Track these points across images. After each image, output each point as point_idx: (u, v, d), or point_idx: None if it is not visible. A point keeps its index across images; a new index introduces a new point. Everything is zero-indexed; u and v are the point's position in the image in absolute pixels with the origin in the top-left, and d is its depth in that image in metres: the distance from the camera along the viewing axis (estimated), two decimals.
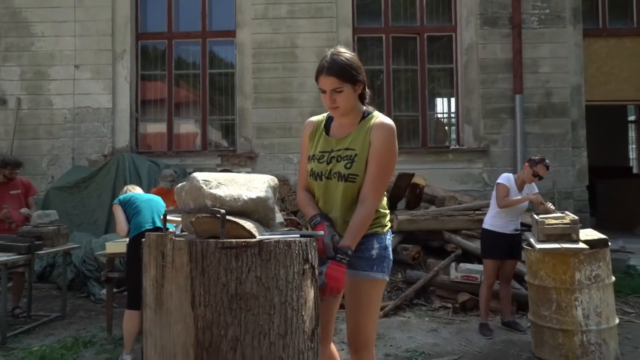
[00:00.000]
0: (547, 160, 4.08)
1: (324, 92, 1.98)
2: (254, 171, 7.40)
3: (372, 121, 2.04)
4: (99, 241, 5.91)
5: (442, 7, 7.89)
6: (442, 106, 8.23)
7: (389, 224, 2.11)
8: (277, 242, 1.41)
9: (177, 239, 1.43)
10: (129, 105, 7.80)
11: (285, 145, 7.53)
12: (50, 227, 4.76)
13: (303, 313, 1.46)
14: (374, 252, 2.01)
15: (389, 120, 2.05)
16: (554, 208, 3.99)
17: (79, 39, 7.78)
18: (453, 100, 7.87)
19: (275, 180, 1.71)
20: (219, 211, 1.41)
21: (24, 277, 5.07)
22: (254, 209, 1.53)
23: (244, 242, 1.38)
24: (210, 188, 1.50)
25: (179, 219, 1.83)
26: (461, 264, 4.96)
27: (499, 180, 4.11)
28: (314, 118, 2.19)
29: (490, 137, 7.45)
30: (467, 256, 5.15)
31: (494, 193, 4.15)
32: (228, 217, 1.42)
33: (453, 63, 7.79)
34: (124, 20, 7.84)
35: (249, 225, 1.44)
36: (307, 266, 1.48)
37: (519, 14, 7.39)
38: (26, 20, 7.81)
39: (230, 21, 7.91)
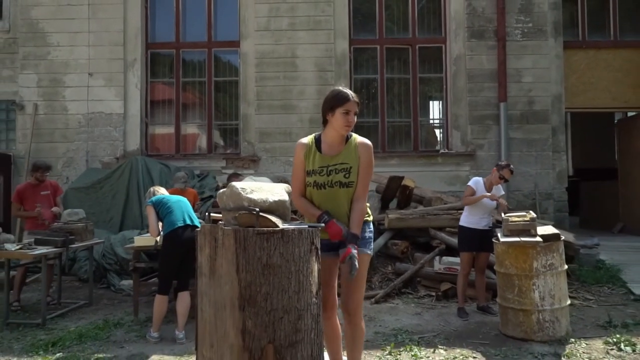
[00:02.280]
0: (511, 166, 4.89)
1: (346, 113, 2.69)
2: (256, 173, 8.12)
3: (356, 141, 2.81)
4: (117, 237, 6.65)
5: (432, 20, 8.65)
6: (432, 112, 8.98)
7: (371, 215, 2.94)
8: (293, 230, 2.15)
9: (226, 228, 2.16)
10: (140, 111, 8.53)
11: (285, 149, 8.25)
12: (79, 224, 5.49)
13: (310, 278, 2.20)
14: (366, 234, 2.83)
15: (367, 140, 2.85)
16: (506, 204, 4.81)
17: (92, 49, 8.50)
18: (442, 107, 8.63)
19: (290, 187, 2.45)
20: (255, 209, 2.14)
21: (53, 269, 5.80)
22: (276, 208, 2.27)
23: (271, 230, 2.11)
24: (246, 193, 2.24)
25: (220, 215, 2.54)
26: (444, 257, 5.71)
27: (468, 183, 4.89)
28: (304, 140, 2.85)
29: (476, 142, 8.21)
30: (451, 251, 5.88)
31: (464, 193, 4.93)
32: (260, 214, 2.15)
33: (443, 72, 8.55)
34: (134, 31, 8.56)
35: (274, 219, 2.18)
36: (312, 247, 2.21)
37: (503, 27, 8.14)
38: (43, 31, 8.53)
39: (234, 32, 8.64)
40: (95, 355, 4.04)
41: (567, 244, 5.96)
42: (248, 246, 2.09)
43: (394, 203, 7.04)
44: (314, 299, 2.21)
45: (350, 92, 2.73)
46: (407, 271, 5.70)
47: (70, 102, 8.49)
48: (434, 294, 5.54)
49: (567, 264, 5.84)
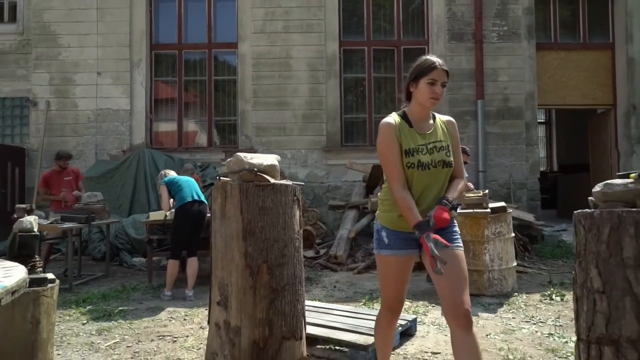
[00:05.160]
0: (467, 149, 5.87)
1: (432, 83, 2.41)
2: None
3: (441, 118, 2.60)
4: (128, 220, 7.64)
5: (416, 24, 9.67)
6: None
7: None
8: (281, 184, 3.13)
9: (232, 183, 3.14)
10: (145, 107, 9.51)
11: (280, 142, 9.24)
12: (98, 205, 6.47)
13: (293, 220, 3.18)
14: (456, 229, 2.57)
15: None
16: (472, 187, 5.77)
17: (100, 49, 9.48)
18: None
19: (279, 157, 3.43)
20: (254, 170, 3.13)
21: (74, 245, 6.77)
22: (269, 170, 3.25)
23: (265, 183, 3.10)
24: (247, 159, 3.22)
25: (227, 179, 3.51)
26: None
27: None
28: (391, 120, 2.51)
29: None
30: None
31: None
32: (258, 173, 3.14)
33: None
34: (140, 33, 9.54)
35: (267, 176, 3.17)
36: (295, 197, 3.20)
37: (480, 30, 9.16)
38: (54, 33, 9.50)
39: (232, 34, 9.63)
40: (119, 308, 5.02)
41: (529, 225, 6.99)
42: (249, 195, 3.08)
43: (378, 191, 8.03)
44: (295, 235, 3.20)
45: (437, 59, 2.46)
46: None
47: (80, 99, 9.46)
48: None
49: (530, 244, 6.88)
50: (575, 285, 2.55)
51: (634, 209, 2.30)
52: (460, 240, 2.53)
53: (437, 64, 2.44)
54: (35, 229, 3.06)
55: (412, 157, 2.44)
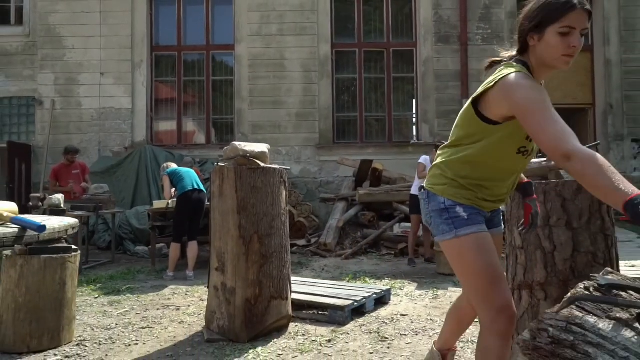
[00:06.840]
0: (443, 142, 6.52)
1: (567, 33, 1.67)
2: None
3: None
4: (131, 212, 8.26)
5: (405, 26, 10.33)
6: (404, 108, 10.61)
7: None
8: (269, 168, 3.77)
9: (229, 167, 3.79)
10: (146, 106, 10.15)
11: (275, 139, 9.87)
12: (104, 196, 7.11)
13: (280, 198, 3.83)
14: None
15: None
16: None
17: (103, 51, 10.13)
18: (413, 103, 10.29)
19: (269, 146, 4.08)
20: (247, 155, 3.78)
21: (81, 234, 7.41)
22: (260, 155, 3.90)
23: (257, 167, 3.74)
24: (241, 147, 3.87)
25: (224, 164, 4.15)
26: (402, 224, 7.36)
27: (419, 160, 6.53)
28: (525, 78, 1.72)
29: (443, 134, 9.84)
30: (408, 219, 7.52)
31: (417, 169, 6.58)
32: (250, 158, 3.79)
33: (413, 73, 10.22)
34: (141, 35, 10.19)
35: (258, 161, 3.82)
36: (282, 179, 3.85)
37: (465, 33, 9.82)
38: (59, 35, 10.15)
39: (229, 37, 10.29)
40: (126, 286, 5.65)
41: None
42: (243, 176, 3.73)
43: (367, 185, 8.68)
44: (282, 211, 3.85)
45: None
46: (372, 235, 7.33)
47: (84, 99, 10.11)
48: (393, 252, 7.18)
49: None
50: (505, 245, 3.20)
51: (544, 181, 2.95)
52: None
53: (575, 3, 1.67)
54: (62, 205, 3.70)
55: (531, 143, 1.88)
